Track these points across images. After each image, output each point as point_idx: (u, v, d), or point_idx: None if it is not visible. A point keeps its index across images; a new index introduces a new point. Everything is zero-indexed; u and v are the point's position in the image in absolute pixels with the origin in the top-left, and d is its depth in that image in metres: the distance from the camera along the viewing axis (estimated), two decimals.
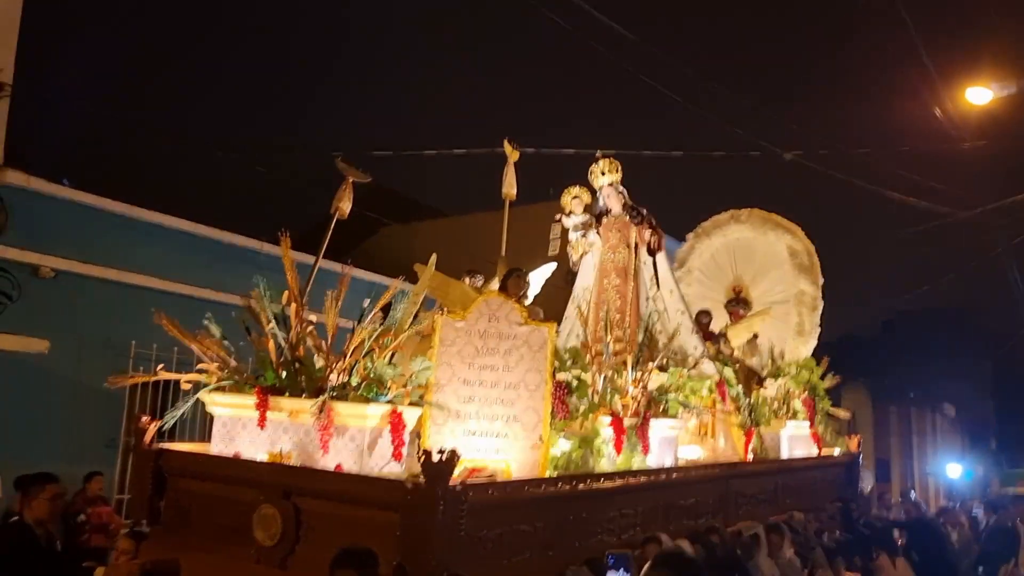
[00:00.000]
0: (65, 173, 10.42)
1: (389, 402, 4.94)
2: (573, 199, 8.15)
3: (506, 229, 7.43)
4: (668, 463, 6.57)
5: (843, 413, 11.22)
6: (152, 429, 5.28)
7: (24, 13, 9.49)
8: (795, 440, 8.96)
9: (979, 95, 13.58)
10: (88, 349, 9.08)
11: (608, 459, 5.96)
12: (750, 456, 7.80)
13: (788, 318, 10.55)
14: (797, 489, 8.58)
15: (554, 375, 5.37)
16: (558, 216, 8.12)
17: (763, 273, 10.89)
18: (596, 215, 8.19)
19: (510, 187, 7.38)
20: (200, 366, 5.36)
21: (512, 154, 7.43)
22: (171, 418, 5.27)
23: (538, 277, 7.43)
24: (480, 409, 5.25)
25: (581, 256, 8.10)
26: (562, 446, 5.37)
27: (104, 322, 9.25)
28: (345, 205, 6.60)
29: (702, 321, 9.35)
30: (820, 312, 10.54)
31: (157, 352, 7.63)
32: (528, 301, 7.09)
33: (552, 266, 7.53)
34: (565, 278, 8.28)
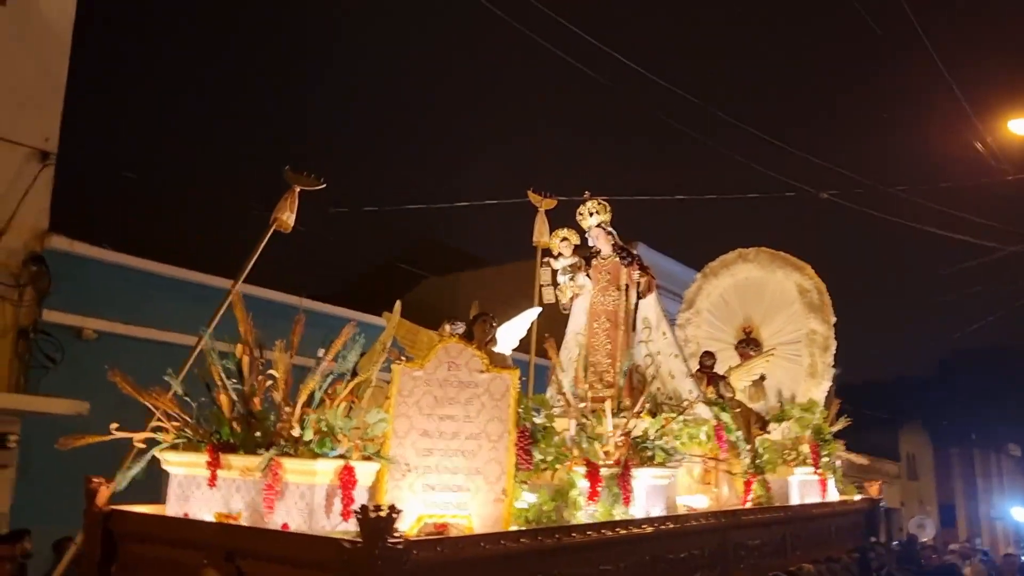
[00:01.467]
0: (107, 236, 10.76)
1: (341, 457, 4.74)
2: (561, 241, 7.96)
3: (538, 278, 7.59)
4: (657, 515, 6.25)
5: (859, 458, 10.74)
6: (104, 491, 5.12)
7: (69, 81, 9.92)
8: (806, 487, 8.55)
9: (1022, 126, 13.27)
10: (129, 409, 9.14)
11: (586, 512, 5.67)
12: (749, 504, 7.41)
13: (800, 359, 10.18)
14: (808, 539, 8.16)
15: (519, 424, 5.13)
16: (546, 259, 7.93)
17: (773, 313, 10.56)
18: (585, 257, 7.99)
19: (540, 235, 7.31)
20: (155, 423, 5.22)
21: (543, 203, 7.37)
22: (123, 479, 5.12)
23: (521, 323, 7.24)
24: (440, 462, 5.03)
25: (571, 300, 7.89)
26: (528, 499, 5.10)
27: (145, 383, 9.22)
28: (287, 217, 5.97)
29: (705, 363, 9.06)
30: (832, 352, 10.15)
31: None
32: (501, 347, 6.90)
33: (535, 311, 7.33)
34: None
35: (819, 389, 9.86)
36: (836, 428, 9.07)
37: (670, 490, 7.01)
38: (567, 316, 8.05)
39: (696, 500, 8.08)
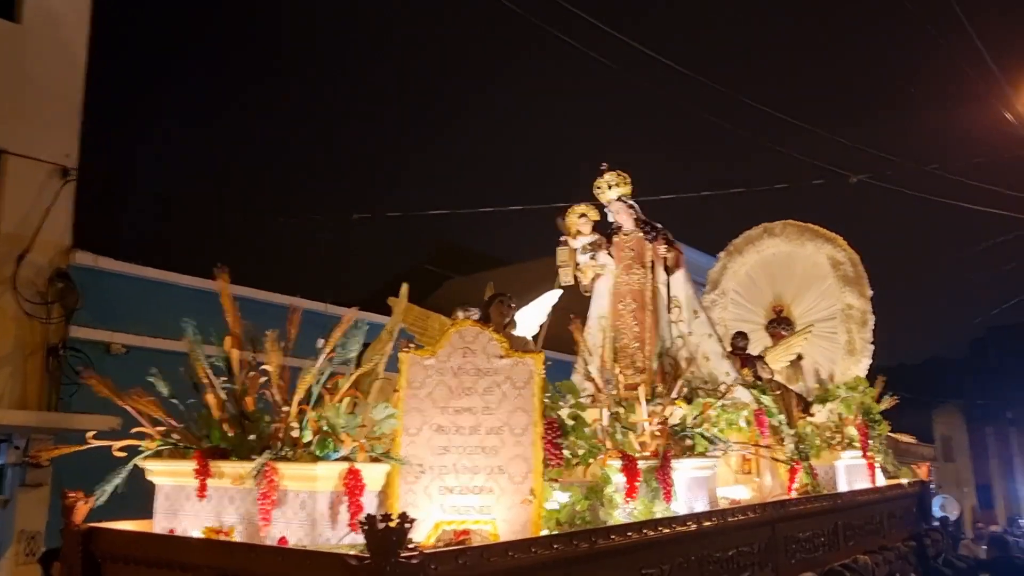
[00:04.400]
0: (132, 250, 10.84)
1: (345, 459, 4.17)
2: (580, 218, 7.34)
3: None
4: (701, 509, 5.65)
5: (906, 438, 10.10)
6: (82, 507, 4.56)
7: (87, 95, 9.96)
8: (854, 472, 7.92)
9: None
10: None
11: (623, 510, 5.08)
12: (794, 494, 6.80)
13: (836, 336, 9.54)
14: (860, 528, 7.54)
15: (545, 415, 4.54)
16: (563, 238, 7.32)
17: (805, 289, 9.91)
18: (606, 234, 7.38)
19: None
20: (137, 429, 4.66)
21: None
22: (102, 493, 4.56)
23: (540, 307, 6.65)
24: (458, 461, 4.44)
25: (592, 280, 7.28)
26: (559, 499, 4.51)
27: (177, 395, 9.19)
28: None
29: (738, 345, 8.44)
30: (871, 327, 9.50)
31: None
32: (521, 331, 6.32)
33: (556, 293, 6.74)
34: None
35: (859, 367, 9.22)
36: (884, 407, 8.42)
37: (712, 482, 6.41)
38: (588, 299, 7.44)
39: (737, 492, 7.49)
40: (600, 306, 7.34)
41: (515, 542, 4.08)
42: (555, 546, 4.21)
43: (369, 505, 4.35)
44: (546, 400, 4.66)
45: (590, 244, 7.27)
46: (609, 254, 7.30)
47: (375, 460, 4.21)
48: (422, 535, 4.34)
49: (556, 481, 4.50)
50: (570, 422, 4.73)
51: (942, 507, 18.51)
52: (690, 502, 5.60)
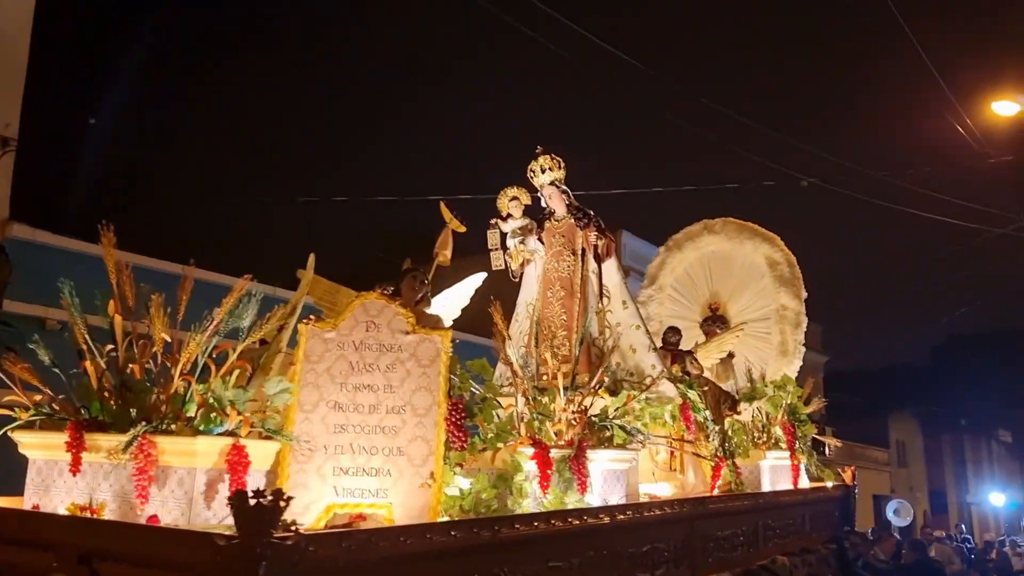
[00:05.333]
0: (73, 225, 10.63)
1: (230, 434, 3.88)
2: (511, 201, 7.11)
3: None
4: (616, 503, 5.46)
5: (833, 441, 10.06)
6: None
7: (31, 64, 9.77)
8: (778, 472, 7.83)
9: (1005, 107, 12.81)
10: None
11: (534, 500, 4.86)
12: (716, 492, 6.67)
13: (770, 337, 9.46)
14: (781, 529, 7.43)
15: (452, 395, 4.30)
16: (494, 221, 7.09)
17: (741, 288, 9.81)
18: (538, 220, 7.17)
19: (441, 248, 6.23)
20: (8, 398, 4.30)
21: (452, 222, 6.38)
22: None
23: (462, 291, 6.41)
24: (355, 440, 4.19)
25: (522, 266, 7.05)
26: (461, 484, 4.27)
27: None
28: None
29: (670, 340, 8.29)
30: (804, 329, 9.44)
31: None
32: (442, 314, 6.07)
33: (480, 277, 6.49)
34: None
35: (790, 368, 9.14)
36: (811, 409, 8.35)
37: (631, 476, 6.23)
38: (517, 286, 7.22)
39: (660, 488, 7.34)
40: (529, 292, 7.12)
41: (409, 527, 3.84)
42: (453, 533, 3.97)
43: (256, 485, 4.07)
44: (454, 380, 4.43)
45: (520, 228, 7.05)
46: (540, 240, 7.09)
47: (262, 436, 3.92)
48: (312, 518, 4.09)
49: (460, 466, 4.26)
50: (477, 405, 4.47)
51: (896, 512, 18.68)
52: (605, 495, 5.41)
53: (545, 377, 5.46)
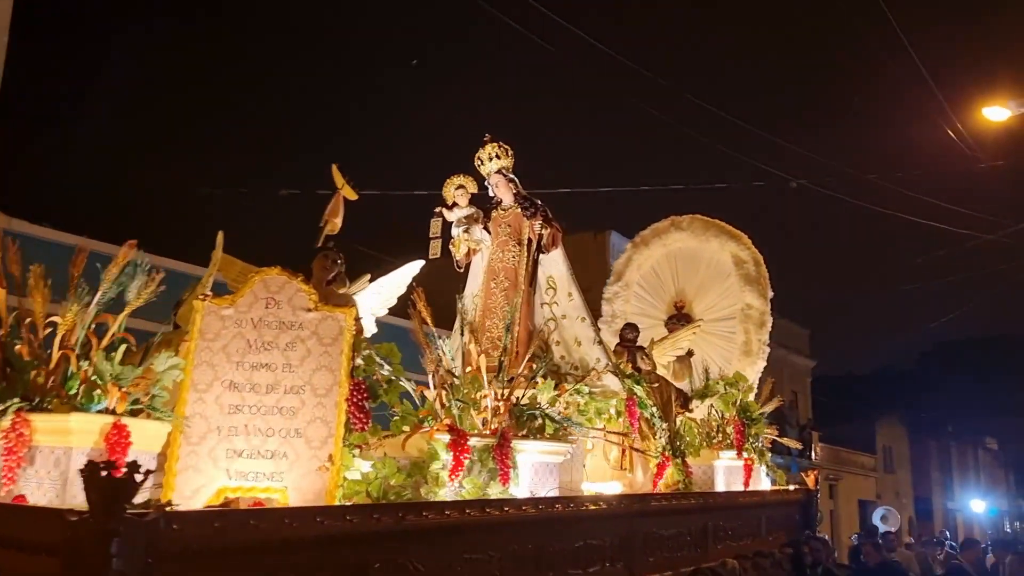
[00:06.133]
0: (48, 214, 10.39)
1: (111, 412, 3.69)
2: (456, 189, 6.95)
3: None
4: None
5: (793, 443, 9.85)
6: None
7: (9, 55, 9.46)
8: (733, 473, 7.62)
9: (996, 113, 12.68)
10: None
11: (451, 490, 4.67)
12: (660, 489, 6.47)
13: (734, 336, 9.27)
14: (733, 531, 7.22)
15: (354, 375, 4.11)
16: (438, 209, 6.91)
17: (707, 286, 9.63)
18: (486, 209, 6.99)
19: (330, 216, 5.86)
20: None
21: (345, 188, 5.97)
22: None
23: (398, 279, 6.22)
24: (251, 421, 4.00)
25: (466, 255, 6.88)
26: (362, 468, 4.08)
27: None
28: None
29: (626, 336, 8.08)
30: (768, 329, 9.25)
31: None
32: (375, 308, 5.90)
33: (416, 264, 6.30)
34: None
35: (753, 368, 8.95)
36: (767, 408, 8.13)
37: (568, 472, 6.05)
38: (461, 277, 7.04)
39: (610, 487, 7.15)
40: (475, 284, 6.95)
41: (295, 508, 3.66)
42: (348, 517, 3.77)
43: (145, 466, 3.88)
44: (360, 363, 4.24)
45: (465, 217, 6.88)
46: (486, 229, 6.91)
47: (138, 414, 3.73)
48: (202, 503, 3.90)
49: (359, 448, 4.07)
50: (381, 387, 4.28)
51: (883, 518, 18.45)
52: (535, 488, 5.21)
53: (469, 368, 5.27)
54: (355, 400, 4.03)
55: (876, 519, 18.65)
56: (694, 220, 9.89)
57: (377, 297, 6.15)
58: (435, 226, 6.82)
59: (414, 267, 6.27)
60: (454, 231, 6.87)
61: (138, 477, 2.92)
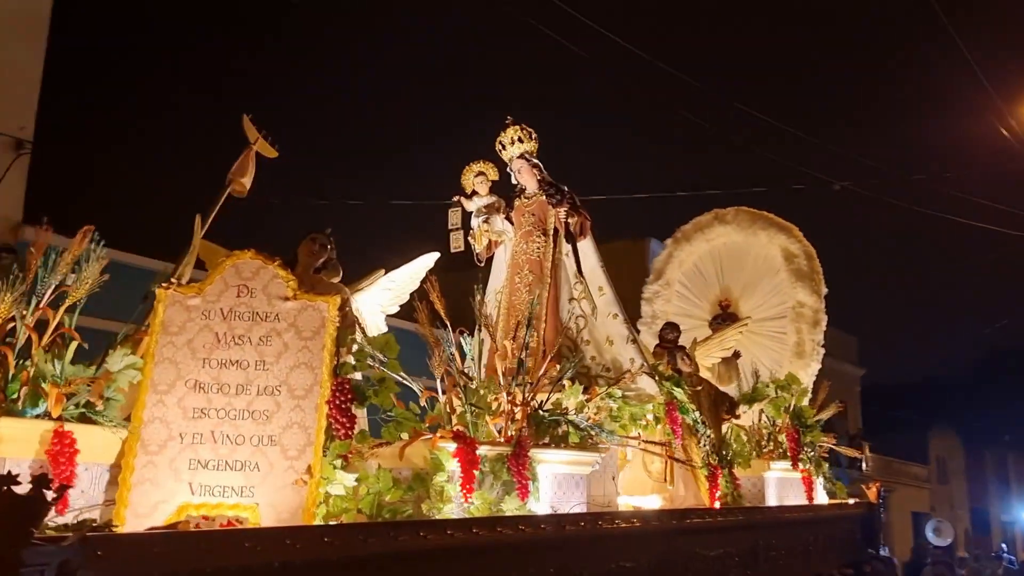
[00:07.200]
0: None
1: (57, 418, 3.19)
2: (476, 177, 6.39)
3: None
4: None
5: (851, 452, 9.07)
6: None
7: (46, 70, 9.58)
8: (786, 486, 6.92)
9: None
10: None
11: (459, 506, 4.09)
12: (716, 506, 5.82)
13: (785, 337, 8.56)
14: (786, 550, 6.52)
15: (337, 374, 3.56)
16: (456, 198, 6.36)
17: (755, 283, 8.94)
18: (508, 197, 6.42)
19: (238, 173, 4.86)
20: None
21: (258, 143, 5.06)
22: None
23: (411, 273, 5.68)
24: (218, 428, 3.47)
25: (488, 248, 6.31)
26: (346, 481, 3.51)
27: None
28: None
29: (667, 337, 7.42)
30: (823, 328, 8.52)
31: None
32: (385, 305, 5.37)
33: (431, 257, 5.75)
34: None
35: (806, 371, 8.22)
36: (825, 415, 7.40)
37: (601, 485, 5.44)
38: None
39: (650, 501, 6.52)
40: (498, 278, 6.38)
41: (257, 530, 3.12)
42: (327, 540, 3.22)
43: (96, 480, 3.38)
44: (349, 360, 3.69)
45: (485, 207, 6.32)
46: (509, 219, 6.34)
47: (88, 421, 3.23)
48: (161, 521, 3.37)
49: (344, 458, 3.50)
50: (371, 388, 3.72)
51: (936, 531, 17.51)
52: (557, 503, 4.61)
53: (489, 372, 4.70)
54: (338, 402, 3.48)
55: (929, 532, 17.73)
56: (739, 212, 9.22)
57: (388, 293, 5.62)
58: (454, 216, 6.27)
59: (429, 259, 5.72)
60: (473, 222, 6.32)
61: (49, 494, 2.42)
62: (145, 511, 3.30)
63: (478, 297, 5.12)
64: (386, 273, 5.80)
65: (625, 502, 6.44)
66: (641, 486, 6.81)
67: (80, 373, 3.32)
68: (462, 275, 5.70)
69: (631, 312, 9.40)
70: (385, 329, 5.82)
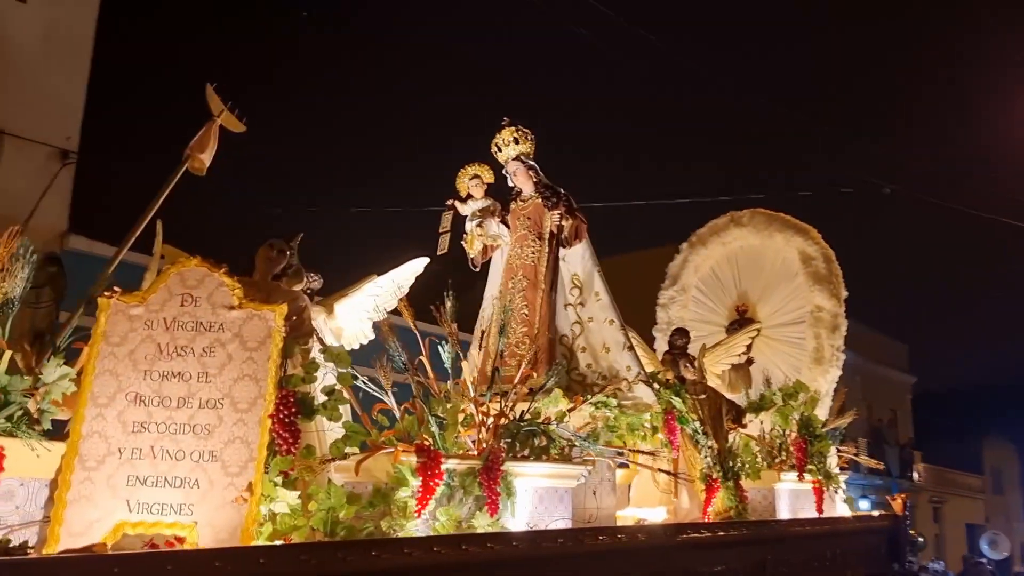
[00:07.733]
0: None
1: None
2: (471, 180, 6.22)
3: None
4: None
5: (871, 463, 8.69)
6: None
7: (92, 78, 9.75)
8: (800, 498, 6.61)
9: None
10: None
11: (424, 522, 3.90)
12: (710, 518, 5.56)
13: (804, 342, 8.24)
14: (801, 566, 6.21)
15: (283, 386, 3.40)
16: (450, 202, 6.19)
17: (772, 287, 8.63)
18: (504, 200, 6.24)
19: (199, 149, 4.56)
20: None
21: (223, 115, 4.75)
22: None
23: (400, 277, 5.53)
24: (158, 443, 3.34)
25: (482, 252, 6.13)
26: (289, 499, 3.35)
27: None
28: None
29: (676, 343, 7.18)
30: (843, 333, 8.18)
31: None
32: (372, 312, 5.21)
33: (420, 262, 5.59)
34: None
35: (826, 378, 7.90)
36: (837, 424, 7.06)
37: (596, 498, 5.23)
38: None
39: (655, 514, 6.29)
40: (493, 285, 6.19)
41: (181, 552, 2.96)
42: (261, 561, 3.05)
43: (33, 495, 3.26)
44: (298, 372, 3.53)
45: (480, 210, 6.14)
46: (504, 223, 6.15)
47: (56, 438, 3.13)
48: (96, 539, 3.24)
49: (285, 475, 3.34)
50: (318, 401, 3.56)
51: (991, 544, 16.95)
52: (538, 519, 4.40)
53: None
54: (280, 416, 3.32)
55: (984, 544, 17.15)
56: (755, 214, 8.92)
57: (373, 299, 5.47)
58: (445, 220, 6.11)
59: (417, 265, 5.57)
60: (467, 226, 6.15)
61: None
62: (80, 529, 3.18)
63: (448, 304, 4.92)
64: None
65: (632, 514, 6.23)
66: (650, 498, 6.58)
67: (20, 384, 3.20)
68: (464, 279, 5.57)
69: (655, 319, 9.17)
70: (372, 336, 5.67)
